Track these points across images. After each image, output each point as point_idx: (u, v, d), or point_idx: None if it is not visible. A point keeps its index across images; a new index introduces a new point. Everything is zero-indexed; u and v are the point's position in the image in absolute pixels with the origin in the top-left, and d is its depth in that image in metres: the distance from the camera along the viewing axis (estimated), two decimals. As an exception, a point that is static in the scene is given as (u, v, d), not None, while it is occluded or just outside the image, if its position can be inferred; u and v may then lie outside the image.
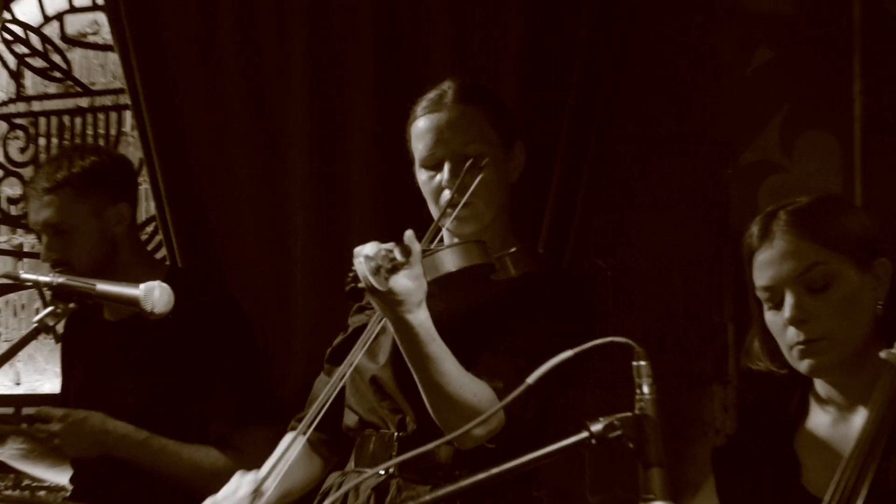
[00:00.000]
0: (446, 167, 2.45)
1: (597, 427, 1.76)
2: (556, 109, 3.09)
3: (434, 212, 2.49)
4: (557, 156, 3.08)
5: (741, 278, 2.85)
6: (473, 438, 2.24)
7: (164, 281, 2.39)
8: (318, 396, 2.56)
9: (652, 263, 3.17)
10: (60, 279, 2.30)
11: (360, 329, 2.57)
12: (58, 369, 3.50)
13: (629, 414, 1.77)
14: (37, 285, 2.36)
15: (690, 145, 3.16)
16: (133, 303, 2.33)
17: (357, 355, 2.34)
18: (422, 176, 2.51)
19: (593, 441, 1.76)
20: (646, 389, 1.78)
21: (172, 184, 3.38)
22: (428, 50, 3.19)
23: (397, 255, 2.11)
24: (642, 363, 1.78)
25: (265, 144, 3.35)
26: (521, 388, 1.80)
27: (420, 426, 2.39)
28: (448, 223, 2.43)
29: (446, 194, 2.43)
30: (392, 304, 2.16)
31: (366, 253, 2.11)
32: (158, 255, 3.52)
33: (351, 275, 2.12)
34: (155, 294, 2.33)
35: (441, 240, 2.41)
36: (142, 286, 2.33)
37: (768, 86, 3.09)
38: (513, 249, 2.41)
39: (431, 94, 2.52)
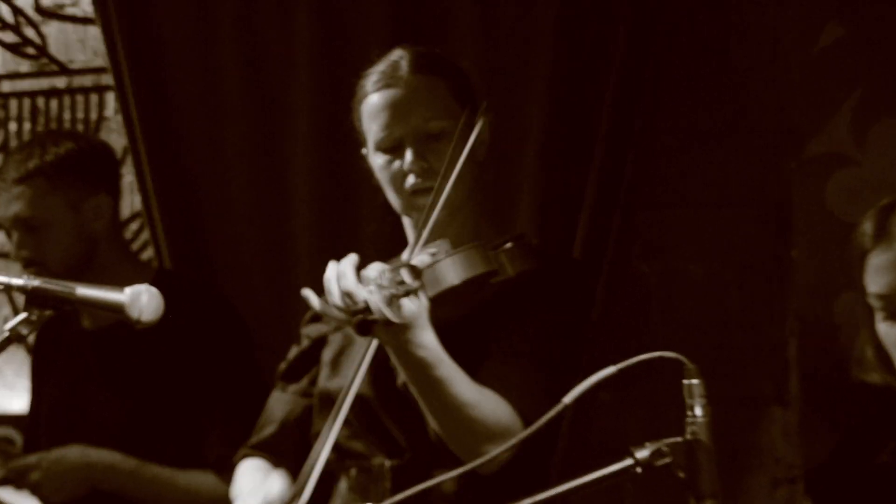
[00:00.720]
0: (408, 148, 2.42)
1: (643, 453, 1.75)
2: (594, 97, 3.08)
3: (395, 200, 2.47)
4: (596, 148, 3.07)
5: (804, 286, 2.90)
6: (497, 461, 2.21)
7: (151, 284, 2.35)
8: (275, 417, 2.57)
9: (703, 269, 3.15)
10: (35, 282, 2.25)
11: (320, 342, 2.57)
12: (29, 384, 3.46)
13: (679, 439, 1.76)
14: (7, 289, 2.30)
15: (748, 136, 3.13)
16: (117, 310, 2.28)
17: (352, 385, 2.31)
18: (378, 160, 2.47)
19: (638, 469, 1.76)
20: (698, 411, 1.78)
21: (160, 175, 3.38)
22: (450, 39, 3.18)
23: (406, 278, 2.12)
24: (694, 382, 1.78)
25: (265, 132, 3.36)
26: (558, 407, 1.79)
27: (416, 452, 2.37)
28: (413, 211, 2.44)
29: (411, 179, 2.42)
30: (399, 331, 2.15)
31: (376, 281, 2.09)
32: (145, 256, 3.54)
33: (359, 306, 2.08)
34: (142, 300, 2.28)
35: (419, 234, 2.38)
36: (127, 290, 2.28)
37: (838, 67, 3.08)
38: (508, 245, 2.38)
39: (381, 67, 2.49)
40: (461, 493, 2.33)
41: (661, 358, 1.78)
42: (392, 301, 2.09)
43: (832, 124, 3.07)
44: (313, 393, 2.54)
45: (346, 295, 2.11)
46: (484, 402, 2.23)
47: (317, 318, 2.59)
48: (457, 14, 3.21)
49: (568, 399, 1.79)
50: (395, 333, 2.15)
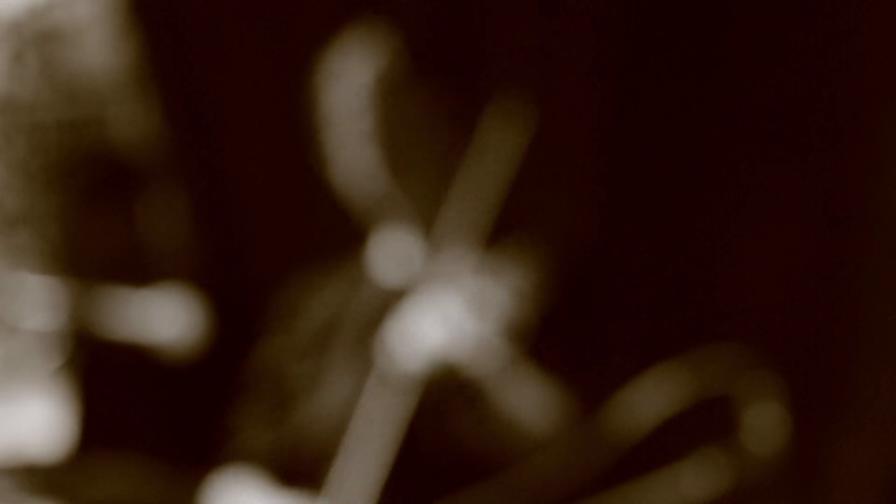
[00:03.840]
0: None
1: (703, 478, 1.73)
2: (653, 95, 3.10)
3: None
4: (662, 147, 3.09)
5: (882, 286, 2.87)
6: None
7: (186, 294, 2.53)
8: None
9: (775, 283, 3.09)
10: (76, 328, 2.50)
11: None
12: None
13: (746, 454, 1.76)
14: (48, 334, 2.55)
15: (826, 137, 3.08)
16: (154, 347, 2.52)
17: None
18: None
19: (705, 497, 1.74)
20: (771, 434, 1.77)
21: (194, 177, 3.45)
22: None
23: None
24: (767, 392, 1.79)
25: (299, 129, 3.26)
26: (617, 452, 1.94)
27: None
28: None
29: None
30: None
31: None
32: (179, 261, 3.52)
33: None
34: (178, 322, 2.50)
35: None
36: (164, 318, 2.49)
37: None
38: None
39: None
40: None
41: (730, 374, 1.78)
42: None
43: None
44: None
45: None
46: None
47: None
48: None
49: (628, 442, 1.83)
50: None
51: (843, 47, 3.08)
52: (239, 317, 3.17)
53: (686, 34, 3.07)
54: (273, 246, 3.44)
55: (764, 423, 1.74)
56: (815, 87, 3.09)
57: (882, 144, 3.03)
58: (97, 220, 3.19)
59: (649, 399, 1.81)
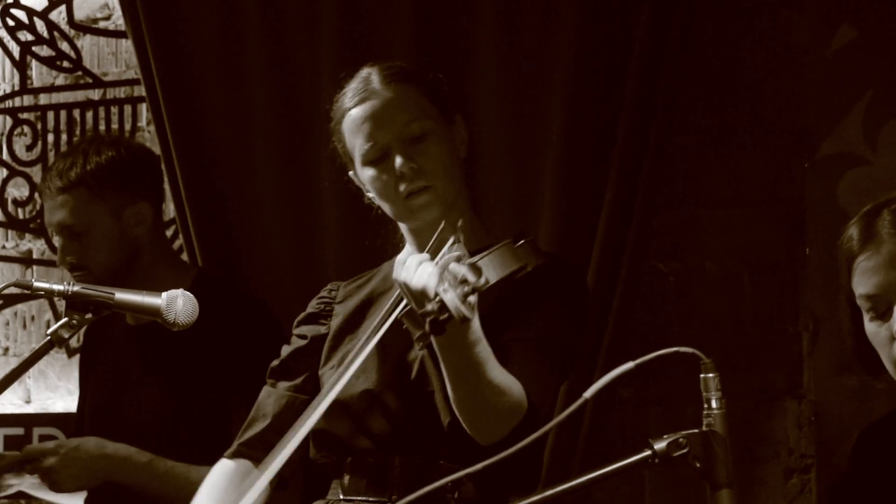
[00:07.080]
0: (396, 154, 2.45)
1: (660, 445, 1.79)
2: (613, 98, 3.14)
3: (391, 209, 2.50)
4: (614, 149, 3.14)
5: (817, 282, 2.93)
6: (496, 433, 2.29)
7: (192, 285, 2.41)
8: (267, 413, 2.57)
9: (719, 267, 3.21)
10: (75, 287, 2.35)
11: (320, 339, 2.60)
12: (71, 386, 3.59)
13: (696, 431, 1.80)
14: (49, 294, 2.40)
15: (762, 136, 3.19)
16: (154, 313, 2.38)
17: (344, 377, 2.34)
18: (367, 173, 2.50)
19: (656, 460, 1.80)
20: (714, 404, 1.81)
21: (192, 183, 3.45)
22: (472, 49, 3.25)
23: (470, 277, 2.15)
24: (710, 375, 1.81)
25: (292, 138, 3.41)
26: (578, 402, 1.84)
27: (426, 445, 2.42)
28: (411, 215, 2.47)
29: (403, 183, 2.44)
30: (465, 326, 2.20)
31: (446, 284, 2.10)
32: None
33: (432, 307, 2.08)
34: (178, 304, 2.38)
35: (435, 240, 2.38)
36: (164, 295, 2.38)
37: (850, 69, 3.10)
38: (522, 242, 2.41)
39: (354, 84, 2.53)
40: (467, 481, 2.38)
41: (677, 353, 1.80)
42: (465, 300, 2.11)
43: (844, 125, 3.08)
44: (308, 391, 2.57)
45: (422, 295, 2.15)
46: (507, 381, 2.29)
47: (310, 319, 2.64)
48: (478, 25, 3.25)
49: (588, 394, 1.82)
50: (460, 329, 2.19)
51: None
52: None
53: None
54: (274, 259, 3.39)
55: (716, 409, 1.77)
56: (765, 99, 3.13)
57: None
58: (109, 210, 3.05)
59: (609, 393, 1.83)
